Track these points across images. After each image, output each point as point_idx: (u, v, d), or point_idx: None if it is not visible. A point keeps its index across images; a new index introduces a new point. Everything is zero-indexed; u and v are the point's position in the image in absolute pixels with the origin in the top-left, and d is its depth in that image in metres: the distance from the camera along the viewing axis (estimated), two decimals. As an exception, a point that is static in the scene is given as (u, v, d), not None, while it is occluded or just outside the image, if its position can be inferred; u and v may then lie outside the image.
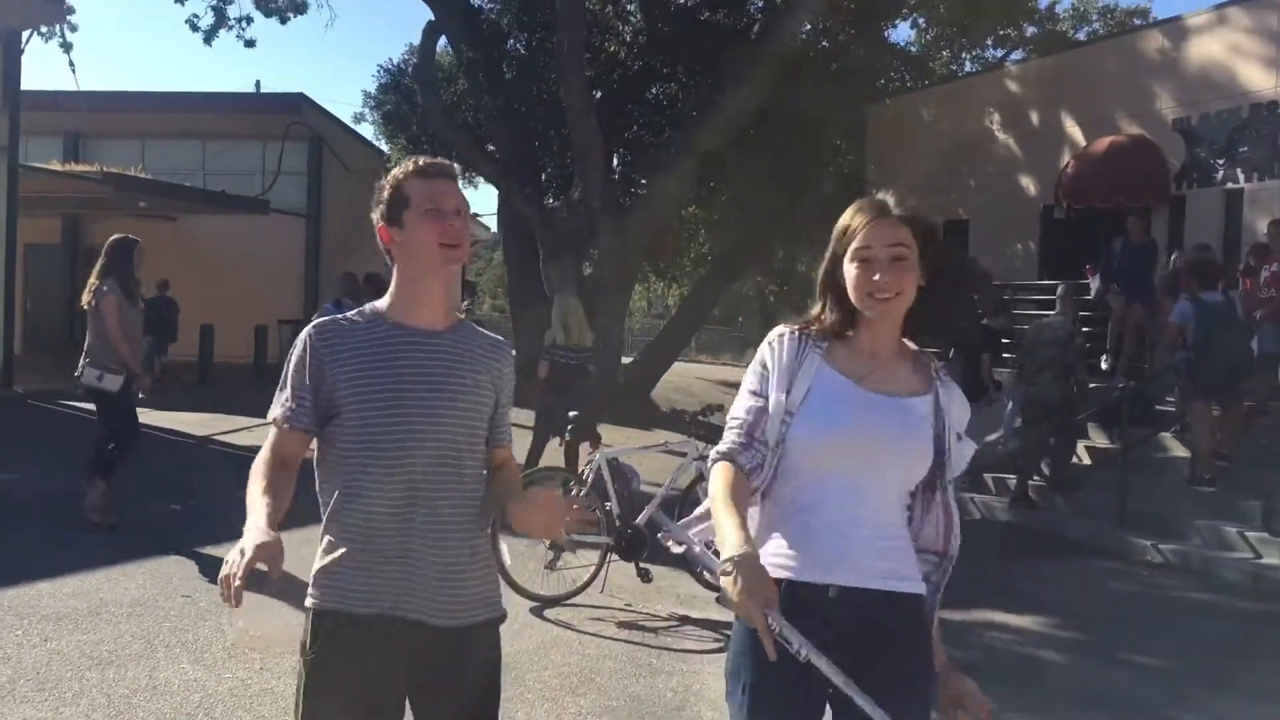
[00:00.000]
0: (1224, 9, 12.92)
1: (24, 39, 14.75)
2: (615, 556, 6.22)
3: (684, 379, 23.34)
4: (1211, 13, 13.12)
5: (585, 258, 18.30)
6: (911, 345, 2.19)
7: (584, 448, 7.09)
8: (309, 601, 2.18)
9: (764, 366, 2.16)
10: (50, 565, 6.00)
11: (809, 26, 17.89)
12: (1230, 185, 12.62)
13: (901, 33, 22.35)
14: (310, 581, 2.18)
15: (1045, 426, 9.35)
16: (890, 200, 2.13)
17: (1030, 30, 21.12)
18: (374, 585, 2.12)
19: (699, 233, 24.17)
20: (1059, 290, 10.32)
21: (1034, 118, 15.74)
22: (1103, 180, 13.49)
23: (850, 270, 2.11)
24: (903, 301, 2.10)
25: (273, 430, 2.22)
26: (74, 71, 17.72)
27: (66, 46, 18.73)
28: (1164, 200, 13.33)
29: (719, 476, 2.10)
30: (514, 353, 2.32)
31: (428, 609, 2.13)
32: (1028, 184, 15.63)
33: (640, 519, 6.32)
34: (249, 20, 18.65)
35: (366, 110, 26.50)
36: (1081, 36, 21.20)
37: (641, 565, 6.27)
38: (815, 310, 2.20)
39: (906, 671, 2.03)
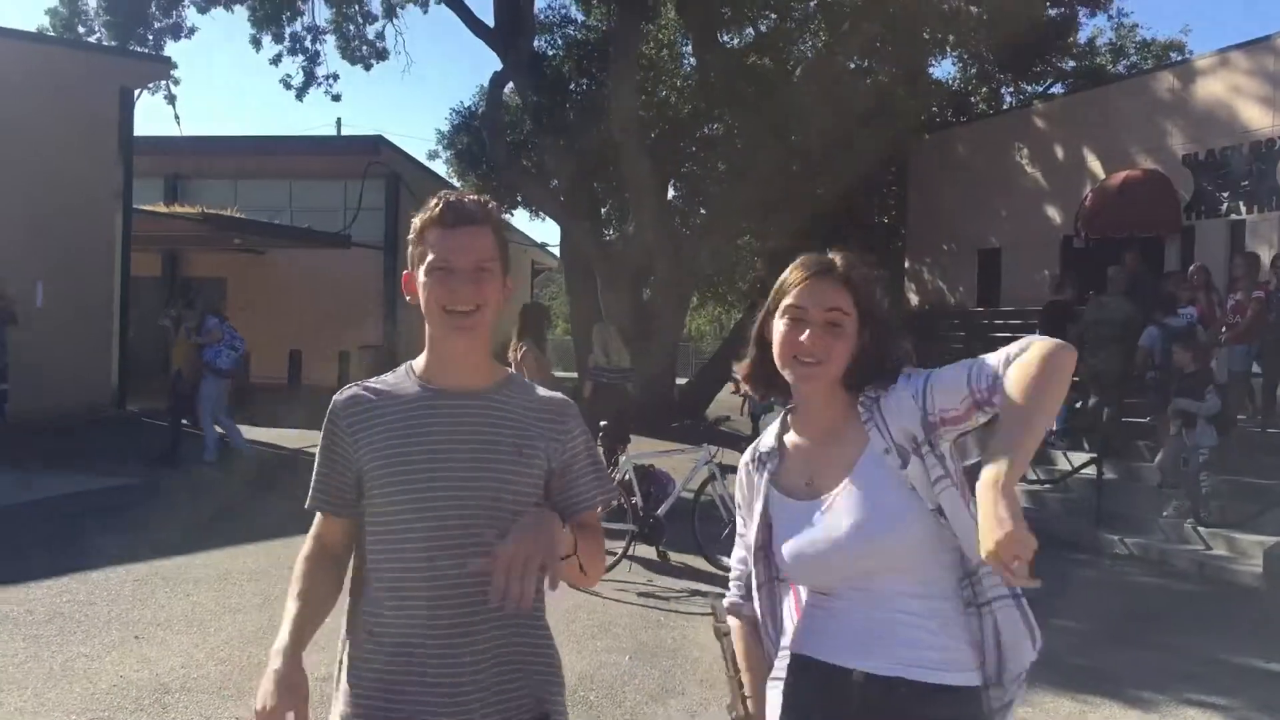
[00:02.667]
0: (1226, 53, 13.89)
1: (135, 95, 16.55)
2: (638, 542, 7.49)
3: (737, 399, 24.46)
4: (1216, 56, 14.09)
5: (642, 285, 19.65)
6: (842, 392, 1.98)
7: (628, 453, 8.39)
8: None
9: (738, 505, 2.13)
10: (182, 545, 7.46)
11: (851, 65, 19.01)
12: (1234, 216, 13.55)
13: (944, 69, 23.27)
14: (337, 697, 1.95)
15: (1103, 398, 10.28)
16: (838, 260, 1.97)
17: (1070, 64, 22.02)
18: (406, 707, 1.85)
19: (754, 261, 25.32)
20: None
21: (1059, 152, 16.77)
22: (1117, 212, 14.49)
23: (778, 327, 1.96)
24: (829, 370, 1.92)
25: (317, 517, 2.00)
26: (178, 121, 19.60)
27: (171, 99, 20.59)
28: (1175, 230, 14.28)
29: (737, 646, 2.08)
30: (575, 409, 2.06)
31: None
32: (1053, 214, 16.63)
33: (660, 510, 7.59)
34: (335, 77, 20.35)
35: (440, 148, 28.18)
36: (1122, 70, 22.03)
37: (660, 549, 7.52)
38: (744, 362, 2.08)
39: None
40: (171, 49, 19.35)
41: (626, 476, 7.66)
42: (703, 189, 20.65)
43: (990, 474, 1.64)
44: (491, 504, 1.86)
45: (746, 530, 2.05)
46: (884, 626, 1.85)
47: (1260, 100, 13.25)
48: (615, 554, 7.38)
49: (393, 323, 22.50)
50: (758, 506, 2.01)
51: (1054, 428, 10.69)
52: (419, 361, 2.01)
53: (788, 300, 1.94)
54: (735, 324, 23.89)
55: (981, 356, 1.84)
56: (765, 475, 2.01)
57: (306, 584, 1.90)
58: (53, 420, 12.74)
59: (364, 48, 22.36)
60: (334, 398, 1.97)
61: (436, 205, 1.93)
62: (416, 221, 1.95)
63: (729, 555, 6.74)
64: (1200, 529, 8.50)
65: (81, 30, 18.17)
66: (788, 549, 1.92)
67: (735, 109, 18.14)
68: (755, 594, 2.02)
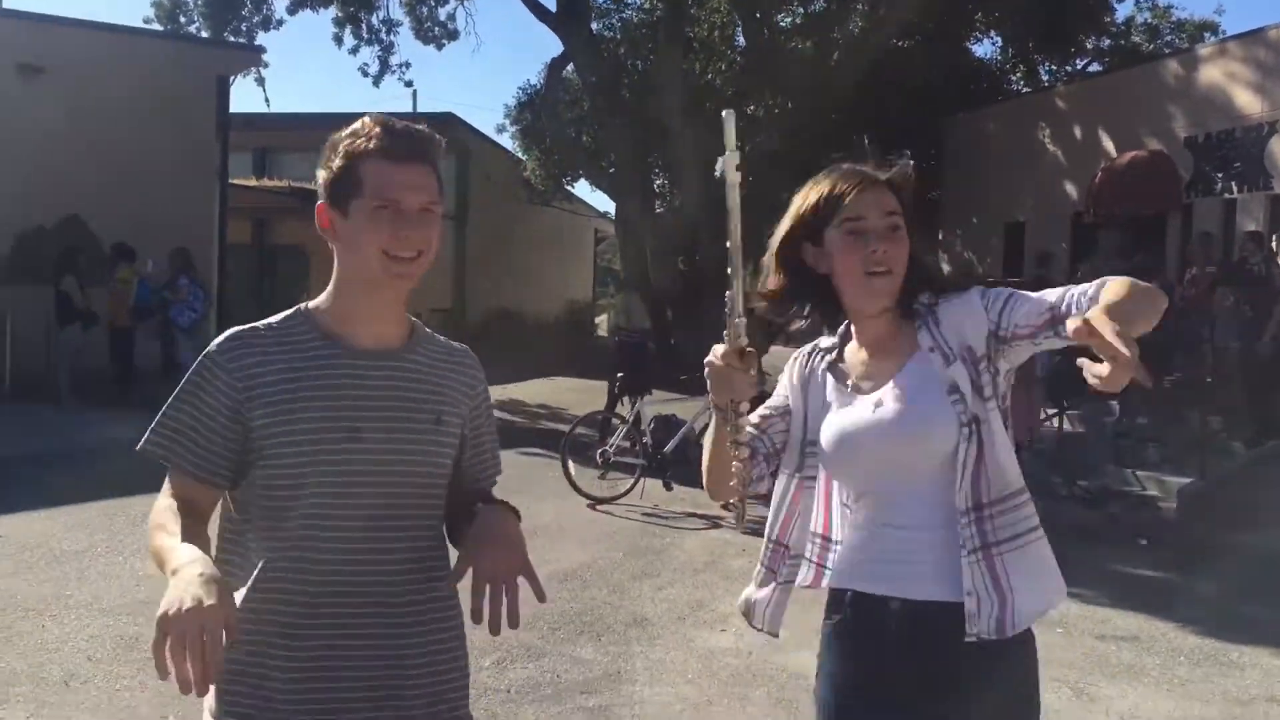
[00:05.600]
0: (1225, 42, 14.93)
1: (230, 81, 18.37)
2: (647, 476, 9.06)
3: (780, 360, 25.88)
4: (1216, 45, 15.13)
5: (691, 256, 21.13)
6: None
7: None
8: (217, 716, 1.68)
9: (792, 404, 2.06)
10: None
11: (883, 49, 20.16)
12: (1227, 196, 14.63)
13: (985, 48, 24.24)
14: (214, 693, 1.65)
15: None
16: (869, 167, 1.93)
17: (1106, 43, 22.90)
18: (303, 693, 1.66)
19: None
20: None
21: (1077, 132, 17.86)
22: (1123, 190, 15.61)
23: (837, 241, 1.88)
24: (897, 279, 1.89)
25: (169, 477, 1.71)
26: (267, 103, 21.15)
27: (260, 81, 22.45)
28: (1176, 208, 15.38)
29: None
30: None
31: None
32: (1070, 190, 17.73)
33: (667, 448, 9.15)
34: (408, 65, 22.07)
35: (507, 123, 29.82)
36: (1156, 49, 22.84)
37: (666, 481, 9.08)
38: (767, 283, 2.04)
39: (1001, 694, 1.86)
40: (261, 36, 21.10)
41: (641, 419, 9.24)
42: (748, 165, 21.98)
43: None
44: (416, 486, 1.73)
45: (788, 412, 2.06)
46: (909, 551, 1.86)
47: (1252, 87, 14.27)
48: (629, 482, 8.97)
49: (461, 287, 24.26)
50: (807, 394, 2.02)
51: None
52: (319, 308, 1.76)
53: (845, 212, 1.87)
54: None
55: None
56: (823, 367, 2.02)
57: (178, 527, 1.60)
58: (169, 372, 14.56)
59: (436, 29, 24.02)
60: (214, 341, 1.72)
61: (377, 131, 1.68)
62: (349, 142, 1.69)
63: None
64: (1137, 473, 9.83)
65: (182, 20, 20.05)
66: (828, 433, 1.94)
67: (775, 91, 19.46)
68: (780, 475, 2.05)
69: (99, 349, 12.94)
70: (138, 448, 1.72)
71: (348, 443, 1.68)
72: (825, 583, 2.02)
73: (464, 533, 1.72)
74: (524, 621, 1.60)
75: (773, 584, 2.08)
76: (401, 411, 1.74)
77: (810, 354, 2.07)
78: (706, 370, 1.85)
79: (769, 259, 2.05)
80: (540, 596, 1.68)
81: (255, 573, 1.67)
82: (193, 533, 1.61)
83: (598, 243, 36.78)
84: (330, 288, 1.77)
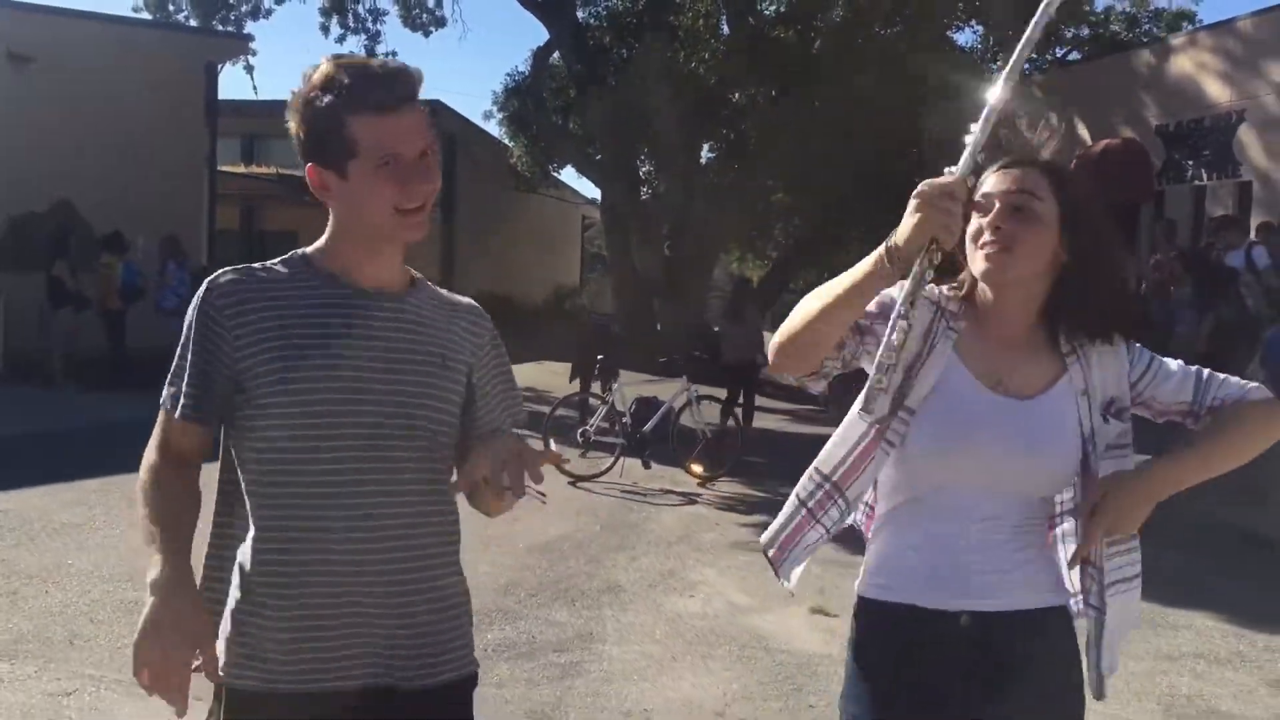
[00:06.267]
0: (1195, 33, 15.27)
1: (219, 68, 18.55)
2: (626, 455, 9.37)
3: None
4: (1187, 36, 15.46)
5: (675, 240, 21.42)
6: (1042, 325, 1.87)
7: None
8: (221, 675, 1.62)
9: (888, 310, 1.77)
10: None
11: (865, 37, 20.42)
12: (1197, 183, 14.97)
13: (966, 36, 24.50)
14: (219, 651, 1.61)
15: None
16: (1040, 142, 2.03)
17: (1085, 32, 23.16)
18: (304, 658, 1.61)
19: (791, 219, 26.77)
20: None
21: (1053, 120, 18.16)
22: (1097, 177, 15.91)
23: (969, 225, 1.81)
24: (1015, 261, 1.77)
25: (160, 420, 1.69)
26: (255, 90, 21.21)
27: (249, 69, 22.60)
28: (1149, 196, 15.70)
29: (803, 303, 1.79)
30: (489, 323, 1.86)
31: (381, 671, 1.66)
32: (1047, 179, 18.07)
33: (646, 428, 9.46)
34: (394, 54, 22.22)
35: (494, 109, 30.01)
36: (1134, 38, 23.12)
37: (645, 459, 9.39)
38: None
39: (1051, 693, 1.85)
40: (250, 24, 21.29)
41: (619, 401, 9.56)
42: (732, 150, 22.27)
43: (1153, 476, 1.81)
44: (409, 420, 1.65)
45: (886, 331, 1.73)
46: (983, 561, 1.82)
47: (1221, 77, 14.60)
48: (609, 460, 9.28)
49: (449, 272, 24.50)
50: (933, 358, 1.81)
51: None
52: (317, 252, 1.71)
53: (979, 190, 1.81)
54: (762, 278, 25.49)
55: (1213, 373, 1.87)
56: (952, 337, 1.84)
57: (169, 500, 1.61)
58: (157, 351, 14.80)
59: (424, 15, 24.20)
60: (208, 281, 1.66)
61: (358, 81, 1.57)
62: (332, 99, 1.57)
63: (701, 465, 8.64)
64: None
65: (171, 8, 20.23)
66: (941, 417, 1.78)
67: (757, 79, 19.74)
68: (857, 411, 1.81)
69: (91, 331, 13.19)
70: (173, 412, 1.67)
71: (349, 391, 1.62)
72: (864, 590, 1.91)
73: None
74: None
75: (815, 528, 1.92)
76: (404, 352, 1.68)
77: (938, 307, 1.87)
78: (916, 200, 1.62)
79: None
80: (554, 459, 1.63)
81: (251, 534, 1.64)
82: (182, 505, 1.62)
83: (585, 229, 37.00)
84: (327, 236, 1.72)
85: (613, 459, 9.26)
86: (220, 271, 1.69)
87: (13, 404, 11.29)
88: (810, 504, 1.92)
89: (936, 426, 1.79)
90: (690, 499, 8.70)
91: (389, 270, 1.72)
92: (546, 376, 16.14)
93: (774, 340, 1.84)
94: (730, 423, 9.88)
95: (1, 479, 7.60)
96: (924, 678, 1.81)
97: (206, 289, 1.65)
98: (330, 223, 1.71)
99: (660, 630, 5.32)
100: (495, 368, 1.84)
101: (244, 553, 1.65)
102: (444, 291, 1.84)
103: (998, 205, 1.79)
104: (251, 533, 1.64)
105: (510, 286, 27.64)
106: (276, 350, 1.61)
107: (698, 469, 9.34)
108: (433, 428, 1.70)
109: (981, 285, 1.86)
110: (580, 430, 9.60)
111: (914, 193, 1.63)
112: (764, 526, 2.03)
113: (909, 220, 1.62)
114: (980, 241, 1.79)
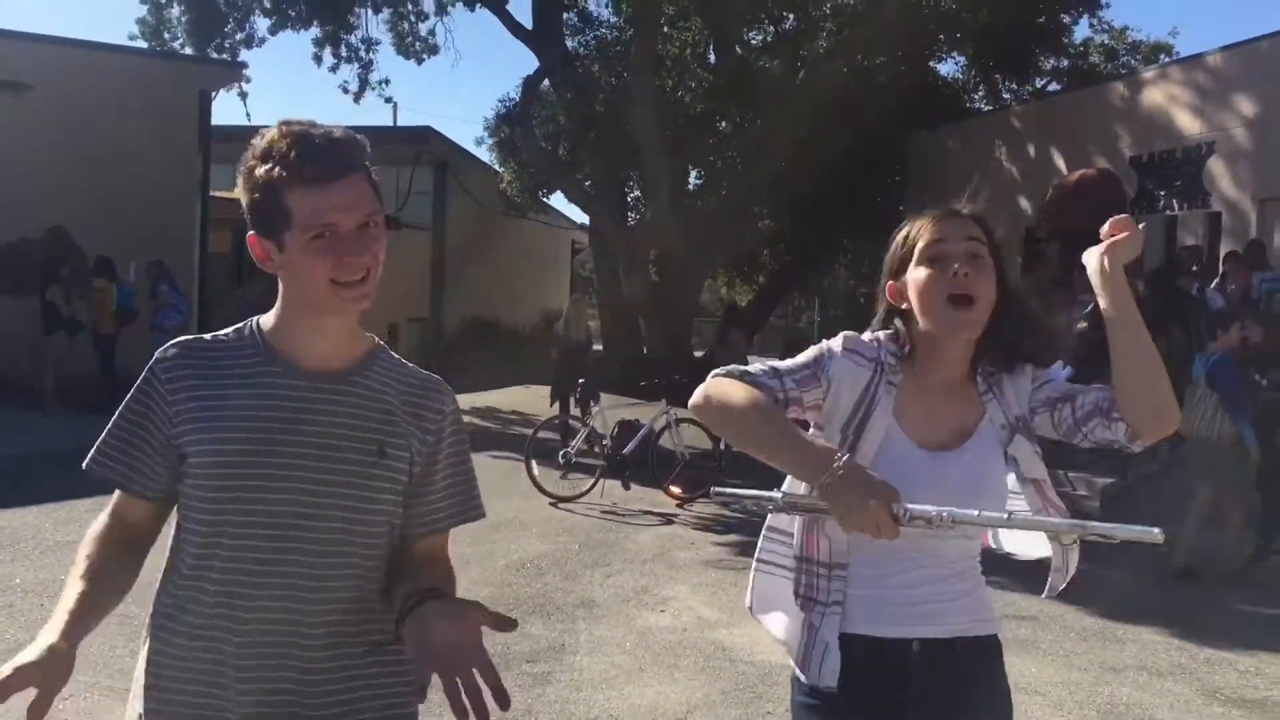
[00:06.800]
0: (1167, 67, 15.66)
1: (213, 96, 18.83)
2: (606, 476, 9.62)
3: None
4: (1158, 69, 15.85)
5: (661, 266, 21.73)
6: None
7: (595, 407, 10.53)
8: None
9: (830, 378, 1.87)
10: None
11: (849, 67, 20.81)
12: (1169, 213, 15.32)
13: (948, 66, 24.95)
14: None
15: None
16: (959, 205, 1.94)
17: (1065, 64, 23.62)
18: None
19: (778, 246, 27.12)
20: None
21: (1030, 151, 18.56)
22: (1071, 206, 16.26)
23: (919, 275, 1.83)
24: (983, 311, 1.82)
25: (116, 494, 1.67)
26: (249, 117, 21.45)
27: (243, 95, 22.90)
28: (1122, 224, 16.06)
29: (739, 391, 1.80)
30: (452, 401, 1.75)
31: None
32: (1025, 207, 18.41)
33: (626, 449, 9.71)
34: (386, 82, 22.64)
35: (485, 135, 30.37)
36: (1112, 70, 23.58)
37: (624, 480, 9.64)
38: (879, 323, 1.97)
39: (994, 712, 1.98)
40: (244, 53, 21.60)
41: (600, 424, 9.83)
42: (719, 177, 22.64)
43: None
44: (331, 511, 1.58)
45: (827, 403, 1.88)
46: (937, 590, 1.89)
47: (1192, 110, 14.98)
48: (590, 482, 9.52)
49: (439, 297, 24.75)
50: (874, 421, 1.85)
51: None
52: (268, 322, 1.66)
53: (924, 241, 1.84)
54: (749, 303, 25.76)
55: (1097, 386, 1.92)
56: (890, 393, 1.87)
57: (95, 565, 1.59)
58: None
59: (417, 44, 24.59)
60: (158, 352, 1.65)
61: (293, 153, 1.52)
62: (259, 171, 1.54)
63: (680, 488, 8.93)
64: (1069, 474, 10.48)
65: (166, 37, 20.53)
66: (900, 488, 1.73)
67: (741, 108, 20.12)
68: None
69: (82, 355, 13.42)
70: (84, 464, 1.68)
71: (269, 470, 1.56)
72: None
73: (398, 595, 1.61)
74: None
75: (819, 612, 1.92)
76: (337, 440, 1.60)
77: (877, 361, 1.90)
78: (870, 504, 1.68)
79: (879, 313, 2.00)
80: (503, 704, 1.44)
81: (179, 616, 1.62)
82: (106, 561, 1.60)
83: (575, 253, 37.32)
84: (278, 306, 1.65)
85: (593, 480, 9.50)
86: (169, 344, 1.67)
87: (5, 427, 11.50)
88: (804, 591, 1.96)
89: None
90: (668, 519, 8.95)
91: (336, 344, 1.65)
92: (532, 399, 16.44)
93: (695, 401, 1.90)
94: (711, 445, 10.13)
95: (-3, 498, 7.82)
96: (874, 700, 1.90)
97: (154, 360, 1.65)
98: (280, 291, 1.66)
99: (630, 642, 5.56)
100: (450, 454, 1.73)
101: (155, 613, 1.68)
102: (405, 363, 1.74)
103: (953, 257, 1.82)
104: (162, 591, 1.66)
105: (499, 311, 27.94)
106: (203, 425, 1.59)
107: (676, 490, 9.58)
108: (358, 519, 1.62)
109: (929, 334, 1.88)
110: (562, 452, 9.85)
111: (876, 493, 1.67)
112: (738, 546, 2.26)
113: (853, 507, 1.67)
114: (948, 295, 1.81)
